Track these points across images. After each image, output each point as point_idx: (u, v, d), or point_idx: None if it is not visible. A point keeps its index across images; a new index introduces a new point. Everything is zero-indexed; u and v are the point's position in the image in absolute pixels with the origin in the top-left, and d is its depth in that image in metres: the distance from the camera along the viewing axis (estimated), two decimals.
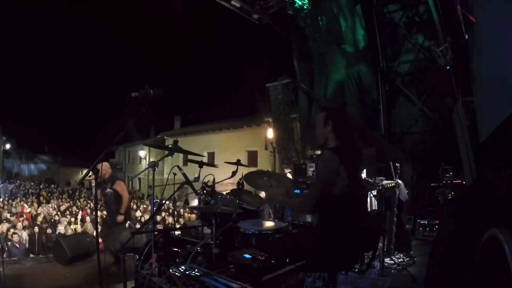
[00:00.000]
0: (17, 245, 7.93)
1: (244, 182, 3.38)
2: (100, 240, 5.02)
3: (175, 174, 3.75)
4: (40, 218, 10.81)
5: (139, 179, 26.27)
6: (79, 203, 15.88)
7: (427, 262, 4.61)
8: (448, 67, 5.95)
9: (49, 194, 19.96)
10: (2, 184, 22.23)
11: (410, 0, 8.48)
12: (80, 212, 13.00)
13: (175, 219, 10.97)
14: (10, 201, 15.43)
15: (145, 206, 14.40)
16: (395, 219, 4.94)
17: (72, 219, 11.35)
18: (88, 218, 10.98)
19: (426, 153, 8.39)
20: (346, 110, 2.54)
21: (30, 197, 17.66)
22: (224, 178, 3.28)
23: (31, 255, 7.88)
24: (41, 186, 24.75)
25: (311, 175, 5.09)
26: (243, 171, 3.51)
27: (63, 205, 14.56)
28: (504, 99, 2.38)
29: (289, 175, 5.72)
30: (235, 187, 3.49)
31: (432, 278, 2.77)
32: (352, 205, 2.27)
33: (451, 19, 5.09)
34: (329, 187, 2.21)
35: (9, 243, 7.86)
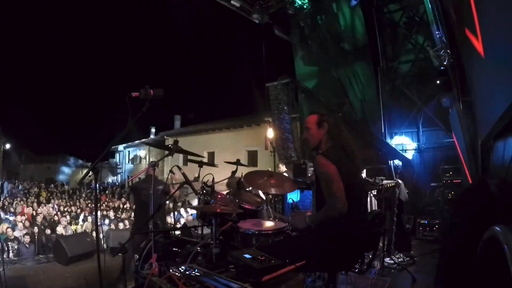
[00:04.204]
0: (27, 245, 8.00)
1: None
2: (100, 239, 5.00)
3: (174, 174, 3.75)
4: (40, 218, 10.80)
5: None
6: (79, 203, 15.86)
7: (427, 262, 4.63)
8: (442, 68, 5.99)
9: (49, 194, 19.93)
10: (2, 184, 22.20)
11: (410, 0, 8.51)
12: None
13: (175, 219, 10.94)
14: (10, 201, 15.41)
15: None
16: (395, 219, 4.94)
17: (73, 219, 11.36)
18: (89, 218, 11.01)
19: (426, 153, 8.42)
20: (341, 112, 2.56)
21: (30, 197, 17.63)
22: (224, 178, 3.28)
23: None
24: (41, 186, 24.71)
25: (310, 175, 5.09)
26: (243, 171, 3.52)
27: (63, 205, 14.56)
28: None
29: (286, 174, 5.71)
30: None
31: (442, 278, 2.76)
32: (349, 205, 2.24)
33: (446, 19, 5.09)
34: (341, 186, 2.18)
35: (14, 243, 7.91)
